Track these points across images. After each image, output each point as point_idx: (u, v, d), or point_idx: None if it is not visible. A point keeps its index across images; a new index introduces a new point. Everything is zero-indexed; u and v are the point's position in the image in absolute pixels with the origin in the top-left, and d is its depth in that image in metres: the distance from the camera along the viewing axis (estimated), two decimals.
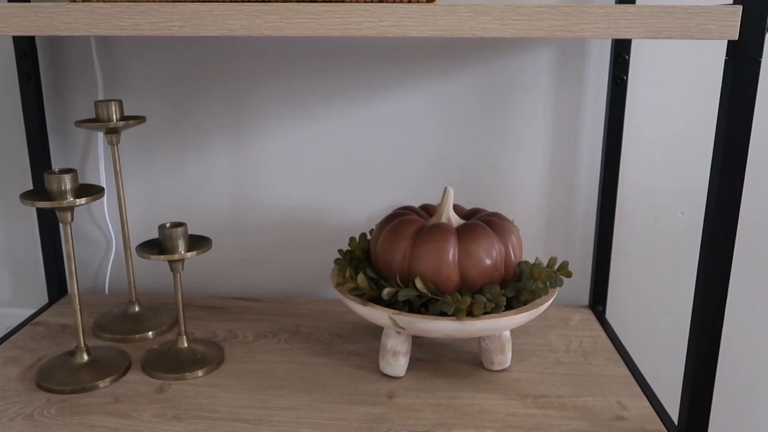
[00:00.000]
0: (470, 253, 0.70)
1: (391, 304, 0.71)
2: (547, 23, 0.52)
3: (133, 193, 0.98)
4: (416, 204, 0.96)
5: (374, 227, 0.79)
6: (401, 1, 0.55)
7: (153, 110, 0.95)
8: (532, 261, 0.86)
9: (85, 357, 0.76)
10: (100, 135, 0.95)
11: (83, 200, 0.70)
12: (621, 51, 0.85)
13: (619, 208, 0.93)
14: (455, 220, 0.75)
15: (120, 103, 0.80)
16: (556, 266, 0.75)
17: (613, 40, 0.87)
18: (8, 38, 0.91)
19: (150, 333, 0.85)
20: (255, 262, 1.00)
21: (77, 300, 0.74)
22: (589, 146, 0.92)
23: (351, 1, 0.54)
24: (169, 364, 0.76)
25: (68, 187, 0.70)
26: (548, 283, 0.73)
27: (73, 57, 0.93)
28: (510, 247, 0.73)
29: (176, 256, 0.73)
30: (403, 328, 0.71)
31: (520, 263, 0.74)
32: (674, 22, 0.52)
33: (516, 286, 0.72)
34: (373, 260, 0.76)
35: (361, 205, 0.97)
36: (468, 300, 0.68)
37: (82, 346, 0.76)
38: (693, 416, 0.61)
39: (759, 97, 0.87)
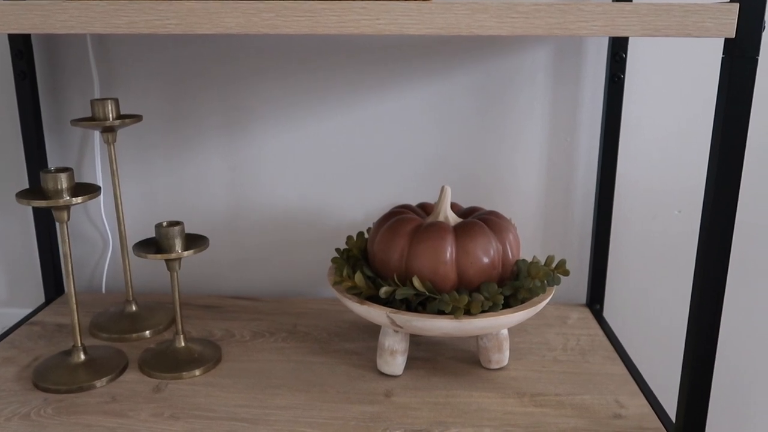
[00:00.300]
0: (468, 252, 0.70)
1: (388, 302, 0.71)
2: (544, 21, 0.52)
3: (130, 192, 0.98)
4: (413, 203, 0.96)
5: (371, 226, 0.78)
6: None
7: (150, 109, 0.94)
8: (529, 260, 0.86)
9: (82, 356, 0.75)
10: (97, 134, 0.95)
11: (79, 199, 0.70)
12: (618, 49, 0.85)
13: (617, 206, 0.93)
14: (452, 219, 0.75)
15: (116, 101, 0.80)
16: (554, 264, 0.75)
17: (610, 38, 0.87)
18: (4, 37, 0.91)
19: (147, 332, 0.84)
20: (252, 261, 1.00)
21: (74, 299, 0.73)
22: (587, 145, 0.92)
23: None
24: (166, 363, 0.76)
25: (64, 186, 0.70)
26: (546, 281, 0.73)
27: (69, 55, 0.93)
28: (507, 246, 0.73)
29: (173, 255, 0.73)
30: (401, 327, 0.71)
31: (517, 261, 0.74)
32: (671, 20, 0.52)
33: (513, 285, 0.72)
34: (371, 259, 0.76)
35: (359, 203, 0.97)
36: (465, 298, 0.68)
37: (79, 345, 0.75)
38: (690, 414, 0.61)
39: (756, 95, 0.87)
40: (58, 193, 0.69)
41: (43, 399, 0.70)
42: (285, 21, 0.53)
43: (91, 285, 1.02)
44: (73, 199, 0.69)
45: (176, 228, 0.73)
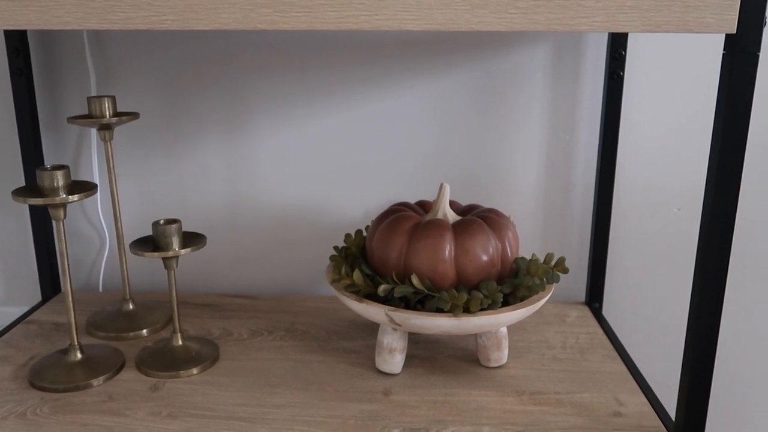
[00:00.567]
0: (466, 250, 0.70)
1: (387, 300, 0.71)
2: (543, 17, 0.52)
3: (127, 190, 0.97)
4: (412, 200, 0.95)
5: (370, 224, 0.78)
6: None
7: (147, 106, 0.94)
8: (528, 257, 0.85)
9: (79, 355, 0.75)
10: (94, 132, 0.95)
11: (76, 197, 0.69)
12: (617, 46, 0.85)
13: (616, 204, 0.93)
14: (451, 217, 0.74)
15: (113, 99, 0.80)
16: (553, 262, 0.75)
17: (609, 35, 0.86)
18: (0, 33, 0.91)
19: (144, 331, 0.84)
20: (250, 260, 0.99)
21: (70, 298, 0.73)
22: (586, 142, 0.92)
23: None
24: (163, 362, 0.76)
25: (60, 183, 0.69)
26: (545, 279, 0.73)
27: (65, 53, 0.92)
28: (506, 244, 0.72)
29: (170, 253, 0.72)
30: (399, 325, 0.70)
31: (516, 259, 0.74)
32: (672, 16, 0.52)
33: (512, 283, 0.72)
34: (369, 257, 0.75)
35: (357, 201, 0.96)
36: (464, 296, 0.68)
37: (76, 344, 0.75)
38: (690, 412, 0.60)
39: (757, 91, 0.86)
40: (54, 191, 0.69)
41: (39, 398, 0.70)
42: (283, 16, 0.53)
43: (89, 283, 1.02)
44: (69, 196, 0.69)
45: (173, 226, 0.72)
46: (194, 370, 0.75)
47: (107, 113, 0.79)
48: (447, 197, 0.75)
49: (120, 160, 0.96)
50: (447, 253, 0.69)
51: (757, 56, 0.52)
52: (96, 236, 1.00)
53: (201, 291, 1.01)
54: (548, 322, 0.88)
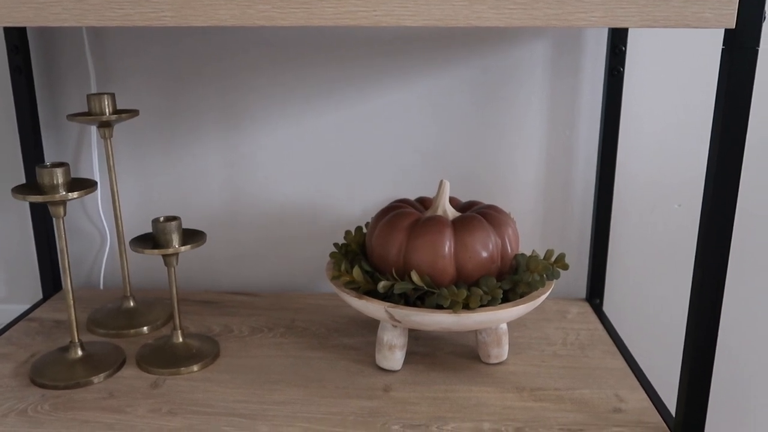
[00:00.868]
0: (466, 246, 0.69)
1: (387, 297, 0.71)
2: (542, 12, 0.52)
3: (127, 187, 0.97)
4: (412, 197, 0.95)
5: (370, 220, 0.78)
6: None
7: (147, 104, 0.94)
8: (528, 254, 0.85)
9: (79, 352, 0.75)
10: (93, 129, 0.95)
11: (75, 194, 0.69)
12: (617, 42, 0.84)
13: (616, 200, 0.92)
14: (451, 213, 0.74)
15: (112, 96, 0.80)
16: (553, 258, 0.75)
17: (609, 31, 0.86)
18: (0, 31, 0.91)
19: (145, 328, 0.84)
20: (250, 257, 1.00)
21: (70, 295, 0.73)
22: (586, 138, 0.92)
23: None
24: (164, 359, 0.76)
25: (60, 180, 0.69)
26: (545, 275, 0.73)
27: (65, 50, 0.92)
28: (506, 240, 0.72)
29: (170, 251, 0.72)
30: (399, 322, 0.70)
31: (516, 256, 0.74)
32: (671, 11, 0.52)
33: (512, 279, 0.72)
34: (369, 253, 0.75)
35: (357, 198, 0.96)
36: (464, 293, 0.68)
37: (76, 341, 0.75)
38: (690, 408, 0.60)
39: (756, 86, 0.86)
40: (54, 188, 0.69)
41: (40, 395, 0.70)
42: (281, 12, 0.52)
43: (89, 281, 1.02)
44: (69, 194, 0.69)
45: (173, 223, 0.72)
46: (195, 367, 0.75)
47: (107, 111, 0.79)
48: (447, 194, 0.75)
49: (120, 158, 0.96)
50: (447, 249, 0.69)
51: (757, 51, 0.52)
52: (96, 234, 1.00)
53: (201, 288, 1.01)
54: (548, 318, 0.88)
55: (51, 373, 0.73)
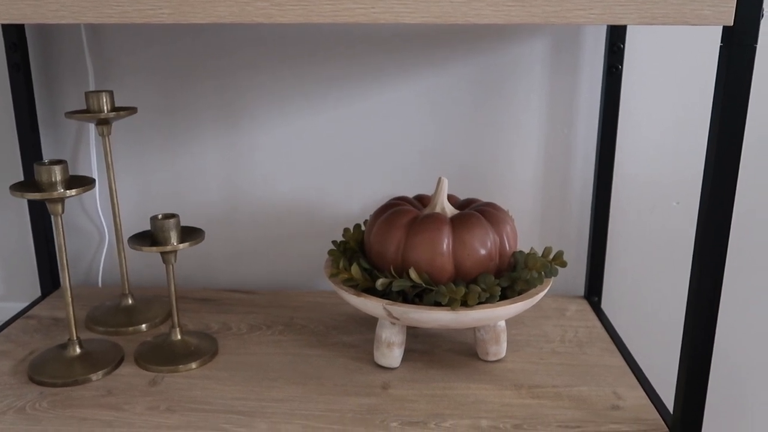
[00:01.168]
0: (464, 243, 0.70)
1: (385, 294, 0.71)
2: (541, 9, 0.52)
3: (126, 184, 0.97)
4: (410, 195, 0.95)
5: (368, 218, 0.78)
6: None
7: (145, 102, 0.94)
8: (526, 251, 0.85)
9: (78, 350, 0.75)
10: (92, 127, 0.95)
11: (73, 191, 0.69)
12: (616, 40, 0.84)
13: (615, 198, 0.92)
14: (449, 211, 0.74)
15: (111, 93, 0.80)
16: (551, 256, 0.75)
17: (608, 29, 0.86)
18: None
19: (143, 326, 0.84)
20: (248, 255, 0.99)
21: (69, 293, 0.73)
22: (584, 136, 0.92)
23: None
24: (162, 356, 0.76)
25: (58, 178, 0.69)
26: (543, 272, 0.73)
27: (63, 48, 0.92)
28: (505, 237, 0.72)
29: (168, 248, 0.72)
30: (398, 319, 0.70)
31: (514, 253, 0.74)
32: (669, 8, 0.52)
33: (511, 276, 0.72)
34: (367, 251, 0.75)
35: (355, 196, 0.96)
36: (462, 290, 0.68)
37: (75, 339, 0.75)
38: (688, 405, 0.61)
39: (754, 84, 0.86)
40: (52, 186, 0.69)
41: (38, 392, 0.70)
42: (279, 10, 0.52)
43: (88, 278, 1.02)
44: (67, 191, 0.69)
45: (171, 221, 0.72)
46: (193, 365, 0.75)
47: (105, 108, 0.79)
48: (445, 191, 0.75)
49: (118, 155, 0.96)
50: (445, 246, 0.69)
51: (755, 48, 0.52)
52: (95, 231, 1.00)
53: (199, 286, 1.01)
54: (547, 315, 0.88)
55: (49, 371, 0.73)
